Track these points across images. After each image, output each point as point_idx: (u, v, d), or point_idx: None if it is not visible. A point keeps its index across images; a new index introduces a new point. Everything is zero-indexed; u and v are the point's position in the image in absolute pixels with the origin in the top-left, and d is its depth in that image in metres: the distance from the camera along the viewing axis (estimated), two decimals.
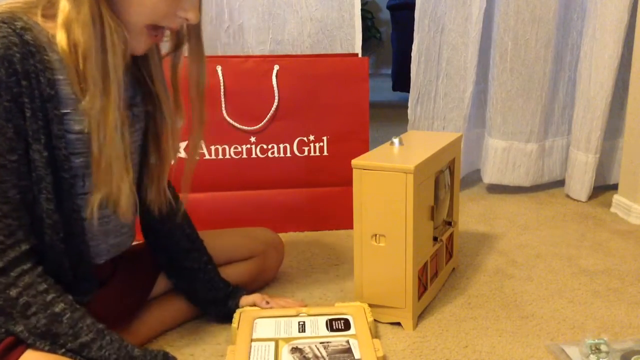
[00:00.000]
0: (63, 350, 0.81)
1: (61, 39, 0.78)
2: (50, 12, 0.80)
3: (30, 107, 0.77)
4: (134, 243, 1.14)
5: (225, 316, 1.10)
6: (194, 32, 0.92)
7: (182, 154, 1.52)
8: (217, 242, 1.18)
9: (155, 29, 0.87)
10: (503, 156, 1.87)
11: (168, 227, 1.07)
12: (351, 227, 1.14)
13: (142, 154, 0.99)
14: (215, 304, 1.11)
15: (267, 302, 1.10)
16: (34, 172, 0.80)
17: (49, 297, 0.81)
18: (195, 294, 1.10)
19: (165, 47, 0.95)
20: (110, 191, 0.84)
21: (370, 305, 1.10)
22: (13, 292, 0.78)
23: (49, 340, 0.80)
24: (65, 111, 0.81)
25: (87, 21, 0.77)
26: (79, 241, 0.88)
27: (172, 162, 1.00)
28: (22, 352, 0.81)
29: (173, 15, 0.85)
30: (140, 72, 0.94)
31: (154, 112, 0.96)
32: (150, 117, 0.97)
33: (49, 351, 0.80)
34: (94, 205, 0.84)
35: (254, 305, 1.10)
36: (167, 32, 0.90)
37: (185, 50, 0.94)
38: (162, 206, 1.01)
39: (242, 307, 1.10)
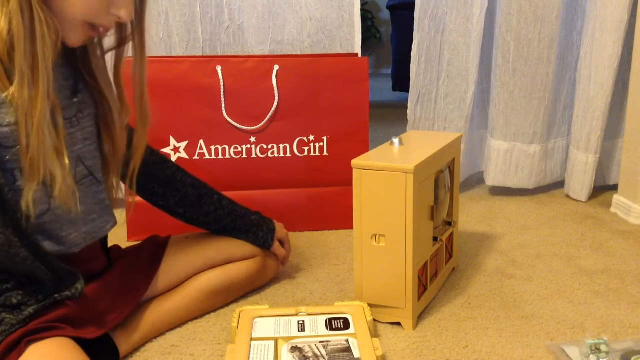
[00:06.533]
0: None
1: None
2: None
3: None
4: (134, 243, 1.15)
5: (264, 244, 1.22)
6: (138, 31, 0.93)
7: (183, 154, 1.53)
8: (218, 241, 1.18)
9: (92, 27, 0.87)
10: (506, 158, 1.86)
11: (168, 185, 1.15)
12: (351, 227, 1.14)
13: (99, 141, 0.99)
14: (249, 232, 1.20)
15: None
16: None
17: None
18: (227, 230, 1.19)
19: (110, 41, 0.96)
20: (42, 180, 0.83)
21: (370, 305, 1.10)
22: None
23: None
24: None
25: (15, 11, 0.76)
26: (33, 238, 0.86)
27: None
28: (22, 352, 0.81)
29: (106, 12, 0.86)
30: (81, 66, 0.94)
31: (101, 101, 0.97)
32: (99, 105, 0.97)
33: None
34: (28, 197, 0.83)
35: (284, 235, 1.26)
36: (106, 30, 0.90)
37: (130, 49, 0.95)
38: (117, 192, 1.05)
39: (279, 237, 1.24)
